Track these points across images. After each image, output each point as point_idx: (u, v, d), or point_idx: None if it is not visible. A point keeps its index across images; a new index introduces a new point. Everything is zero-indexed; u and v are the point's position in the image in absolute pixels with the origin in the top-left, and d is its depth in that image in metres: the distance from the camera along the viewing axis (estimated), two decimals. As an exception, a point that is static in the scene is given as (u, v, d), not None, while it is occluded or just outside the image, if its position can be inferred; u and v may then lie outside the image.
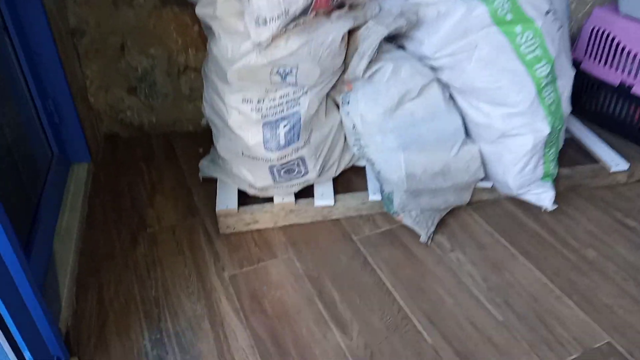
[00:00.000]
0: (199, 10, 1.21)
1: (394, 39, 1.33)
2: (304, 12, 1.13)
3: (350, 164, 1.52)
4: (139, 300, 1.20)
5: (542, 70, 1.23)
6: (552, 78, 1.26)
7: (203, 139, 1.77)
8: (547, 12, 1.24)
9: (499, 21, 1.21)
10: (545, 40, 1.22)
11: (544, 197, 1.35)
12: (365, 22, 1.24)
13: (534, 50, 1.22)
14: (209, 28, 1.22)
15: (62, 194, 1.46)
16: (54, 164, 1.47)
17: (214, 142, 1.40)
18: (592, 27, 1.77)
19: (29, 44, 1.38)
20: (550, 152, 1.33)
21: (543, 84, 1.24)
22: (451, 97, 1.34)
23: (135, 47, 1.69)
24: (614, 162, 1.54)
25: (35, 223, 1.25)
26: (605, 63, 1.73)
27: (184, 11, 1.66)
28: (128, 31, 1.66)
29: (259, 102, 1.23)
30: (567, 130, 1.71)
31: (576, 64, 1.82)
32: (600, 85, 1.77)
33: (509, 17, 1.21)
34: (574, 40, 1.91)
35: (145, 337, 1.12)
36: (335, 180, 1.50)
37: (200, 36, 1.70)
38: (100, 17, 1.62)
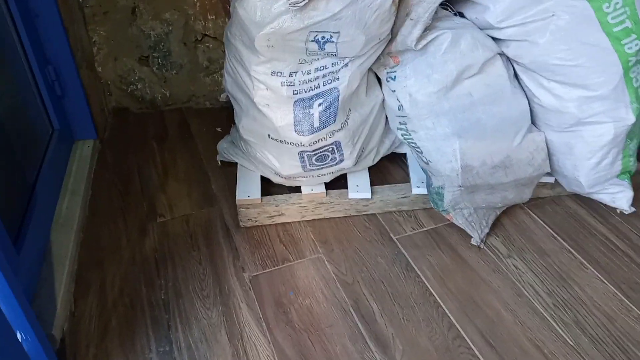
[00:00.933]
0: (223, -36, 1.01)
1: (452, 4, 1.13)
2: (350, -34, 0.93)
3: (389, 152, 1.33)
4: (146, 303, 1.04)
5: (631, 46, 1.02)
6: (642, 56, 1.05)
7: (222, 117, 1.59)
8: (640, -25, 1.02)
9: (583, -16, 1.00)
10: (637, 10, 1.01)
11: (620, 197, 1.15)
12: (420, -17, 1.03)
13: (622, 22, 1.01)
14: (234, -15, 1.03)
15: (62, 174, 1.29)
16: (54, 140, 1.29)
17: (236, 121, 1.22)
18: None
19: (27, 3, 1.20)
20: (630, 145, 1.13)
21: (631, 63, 1.03)
22: (516, 76, 1.14)
23: (148, 11, 1.50)
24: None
25: (30, 208, 1.08)
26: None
27: (204, -29, 1.47)
28: (140, -8, 1.47)
29: (290, 75, 1.04)
30: None
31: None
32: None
33: (595, -21, 0.99)
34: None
35: (152, 349, 0.95)
36: (371, 169, 1.31)
37: (221, 0, 1.50)
38: (109, -25, 1.43)
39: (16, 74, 1.19)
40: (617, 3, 1.01)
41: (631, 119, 1.06)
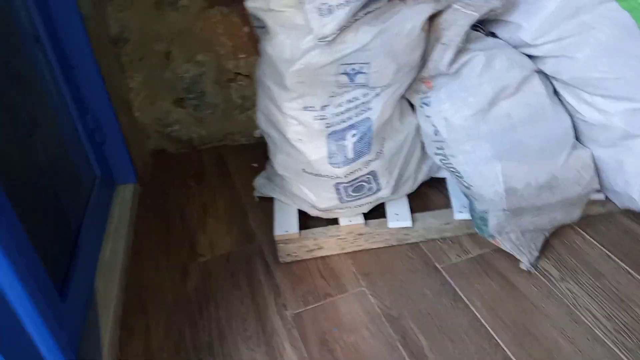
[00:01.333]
0: (250, 4, 1.03)
1: (483, 25, 1.11)
2: (376, -4, 0.92)
3: (428, 177, 1.30)
4: (190, 346, 1.03)
5: (678, 53, 0.97)
6: (690, 63, 1.00)
7: (257, 153, 1.59)
8: (681, -20, 0.98)
9: (620, -6, 0.96)
10: (680, 16, 0.96)
11: (679, 212, 1.08)
12: (449, 5, 1.02)
13: (666, 29, 0.97)
14: (262, 25, 1.04)
15: (105, 220, 1.32)
16: (96, 187, 1.32)
17: (270, 157, 1.22)
18: None
19: (65, 55, 1.25)
20: (686, 156, 1.06)
21: (679, 71, 0.98)
22: (556, 92, 1.10)
23: (182, 54, 1.54)
24: None
25: (75, 255, 1.10)
26: None
27: (233, 11, 1.49)
28: (173, 37, 1.51)
29: (322, 108, 1.03)
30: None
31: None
32: None
33: (633, -12, 0.96)
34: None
35: (198, 394, 0.94)
36: (410, 197, 1.28)
37: (251, 39, 1.53)
38: (143, 22, 1.48)
39: (58, 125, 1.23)
40: (658, 10, 0.96)
41: (684, 129, 1.00)
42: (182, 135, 1.66)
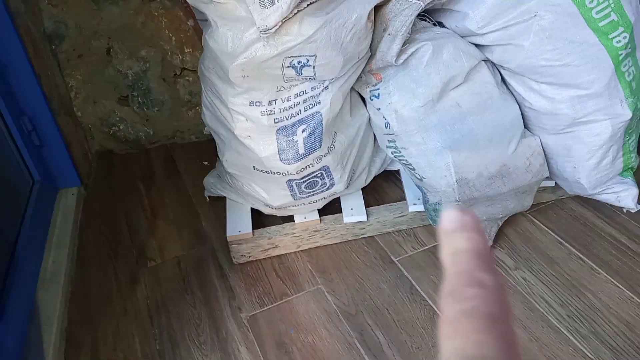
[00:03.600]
0: (190, -4, 0.98)
1: (429, 14, 1.09)
2: (320, -14, 0.89)
3: (382, 170, 1.28)
4: (141, 356, 0.98)
5: (620, 39, 0.98)
6: (632, 48, 1.01)
7: (208, 150, 1.54)
8: (620, -34, 0.99)
9: (562, -19, 0.96)
10: (621, 2, 0.97)
11: (625, 195, 1.10)
12: (394, -4, 1.00)
13: (608, 16, 0.97)
14: (204, 17, 0.99)
15: (47, 227, 1.25)
16: (35, 192, 1.25)
17: (219, 155, 1.17)
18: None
19: (-7, 53, 1.17)
20: (630, 141, 1.08)
21: (621, 57, 0.99)
22: (504, 81, 1.10)
23: (124, 50, 1.47)
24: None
25: (12, 268, 1.03)
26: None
27: (176, 5, 1.44)
28: (114, 32, 1.44)
29: (270, 103, 1.00)
30: None
31: None
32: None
33: (574, -25, 0.96)
34: None
35: (149, 407, 0.90)
36: (364, 190, 1.26)
37: (197, 32, 1.47)
38: (80, 18, 1.40)
39: (-11, 129, 1.15)
40: (599, -3, 0.97)
41: (628, 114, 1.02)
42: (128, 135, 1.59)
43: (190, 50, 1.50)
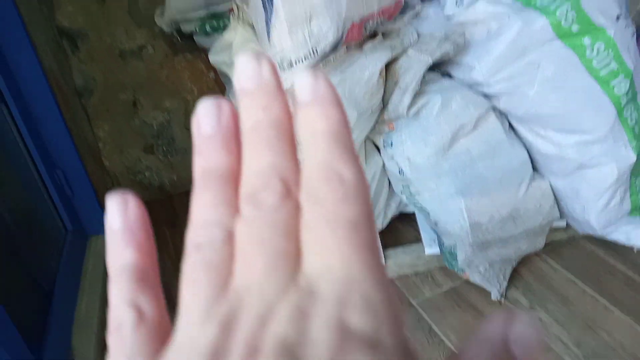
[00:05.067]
0: (213, 58, 1.06)
1: (438, 66, 1.15)
2: (334, 47, 0.96)
3: (398, 212, 1.33)
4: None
5: (621, 86, 1.03)
6: (633, 94, 1.06)
7: (229, 194, 1.60)
8: (619, 17, 1.04)
9: (563, 34, 1.02)
10: (620, 51, 1.02)
11: (635, 235, 1.13)
12: (404, 51, 1.06)
13: (608, 64, 1.03)
14: (226, 76, 1.07)
15: (79, 274, 1.31)
16: (68, 241, 1.32)
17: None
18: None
19: (29, 110, 1.25)
20: (637, 182, 1.12)
21: (623, 103, 1.04)
22: (511, 127, 1.15)
23: (149, 102, 1.55)
24: None
25: (49, 315, 1.09)
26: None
27: (198, 57, 1.52)
28: (139, 85, 1.53)
29: (289, 155, 1.05)
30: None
31: None
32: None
33: (575, 28, 1.02)
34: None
35: None
36: (381, 233, 1.31)
37: (217, 83, 1.56)
38: (107, 72, 1.49)
39: (25, 182, 1.22)
40: (599, 47, 1.02)
41: (632, 157, 1.06)
42: (153, 182, 1.66)
43: (211, 100, 1.58)
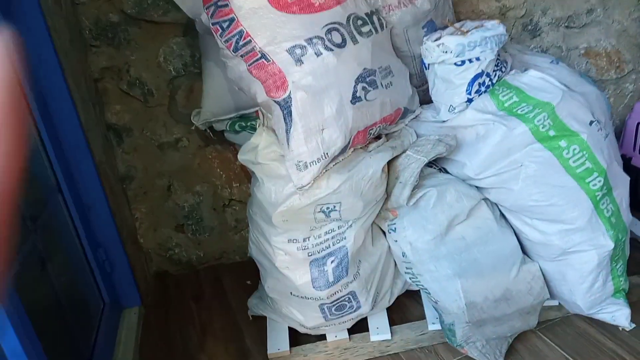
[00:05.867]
0: (242, 157, 1.24)
1: (436, 163, 1.32)
2: (343, 150, 1.14)
3: (404, 290, 1.45)
4: None
5: (595, 183, 1.18)
6: (608, 189, 1.20)
7: (250, 270, 1.74)
8: (591, 123, 1.21)
9: (542, 138, 1.18)
10: (593, 152, 1.18)
11: (619, 315, 1.24)
12: (403, 151, 1.24)
13: (583, 164, 1.18)
14: (252, 173, 1.24)
15: (113, 345, 1.44)
16: (105, 314, 1.46)
17: (262, 281, 1.38)
18: (636, 122, 1.73)
19: (81, 199, 1.44)
20: (617, 267, 1.24)
21: (599, 197, 1.18)
22: (502, 216, 1.29)
23: (182, 187, 1.74)
24: (691, 265, 1.42)
25: (87, 381, 1.22)
26: (659, 157, 1.66)
27: (226, 148, 1.72)
28: (174, 172, 1.72)
29: (304, 240, 1.21)
30: (632, 233, 1.61)
31: (627, 160, 1.76)
32: (657, 180, 1.68)
33: (551, 132, 1.18)
34: (618, 135, 1.86)
35: None
36: (389, 309, 1.43)
37: (243, 170, 1.74)
38: (147, 162, 1.69)
39: (73, 259, 1.39)
40: (574, 149, 1.18)
41: (610, 244, 1.18)
42: (182, 257, 1.82)
43: (238, 184, 1.77)
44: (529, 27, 1.83)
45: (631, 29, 1.91)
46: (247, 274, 1.74)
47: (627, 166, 1.76)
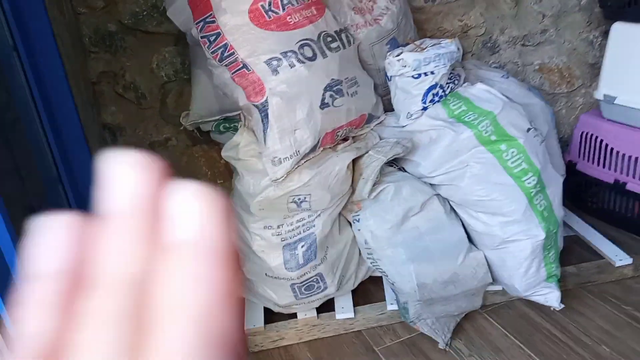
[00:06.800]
0: (225, 153, 1.41)
1: (395, 162, 1.50)
2: (313, 149, 1.32)
3: (367, 276, 1.63)
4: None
5: (530, 181, 1.37)
6: (541, 187, 1.39)
7: (231, 260, 1.91)
8: (529, 130, 1.40)
9: (484, 141, 1.37)
10: (529, 155, 1.37)
11: (550, 297, 1.43)
12: (367, 151, 1.42)
13: (520, 165, 1.37)
14: (234, 168, 1.41)
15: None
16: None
17: (241, 265, 1.54)
18: (581, 132, 1.93)
19: (79, 190, 1.60)
20: (550, 255, 1.42)
21: (533, 194, 1.37)
22: (452, 209, 1.47)
23: (170, 182, 1.90)
24: (618, 256, 1.62)
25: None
26: (598, 163, 1.87)
27: (212, 148, 1.89)
28: (163, 169, 1.88)
29: (278, 227, 1.38)
30: (572, 229, 1.81)
31: (572, 165, 1.96)
32: (597, 183, 1.89)
33: (493, 137, 1.37)
34: (568, 143, 2.06)
35: None
36: (354, 292, 1.60)
37: (227, 169, 1.91)
38: (139, 159, 1.85)
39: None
40: (513, 152, 1.37)
41: (542, 235, 1.37)
42: (168, 248, 1.98)
43: (222, 181, 1.93)
44: (489, 44, 2.03)
45: (580, 48, 2.12)
46: (229, 264, 1.90)
47: (574, 171, 1.96)
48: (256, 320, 1.50)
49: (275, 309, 1.53)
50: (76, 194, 1.58)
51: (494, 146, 1.37)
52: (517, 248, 1.39)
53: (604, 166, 1.85)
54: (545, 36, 2.07)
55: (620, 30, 1.78)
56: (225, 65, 1.29)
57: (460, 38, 1.95)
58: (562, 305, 1.43)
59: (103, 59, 1.71)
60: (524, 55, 2.08)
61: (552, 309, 1.48)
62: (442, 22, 1.94)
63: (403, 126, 1.48)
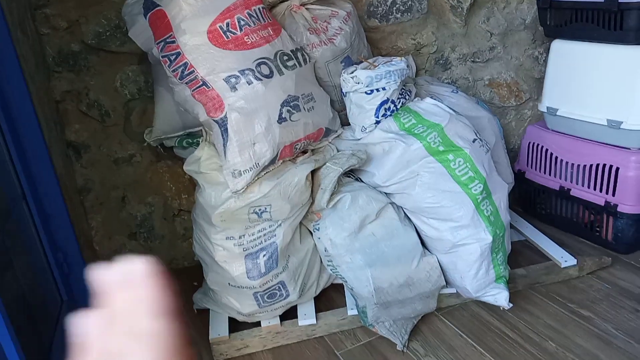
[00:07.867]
0: (187, 167, 1.46)
1: (352, 173, 1.58)
2: (272, 161, 1.38)
3: (329, 283, 1.69)
4: None
5: (477, 188, 1.46)
6: (487, 193, 1.48)
7: (197, 273, 1.94)
8: (474, 140, 1.50)
9: (433, 152, 1.46)
10: (475, 164, 1.46)
11: (499, 297, 1.51)
12: (325, 163, 1.49)
13: (466, 173, 1.46)
14: (196, 181, 1.47)
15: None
16: (64, 310, 1.63)
17: (205, 276, 1.59)
18: (528, 142, 2.05)
19: (44, 207, 1.62)
20: (498, 257, 1.51)
21: (480, 200, 1.46)
22: (406, 216, 1.55)
23: (135, 198, 1.93)
24: (563, 258, 1.72)
25: (47, 366, 1.39)
26: (545, 171, 1.98)
27: (176, 163, 1.93)
28: (128, 185, 1.92)
29: (240, 237, 1.43)
30: (522, 234, 1.91)
31: (522, 174, 2.07)
32: (544, 190, 2.00)
33: (441, 148, 1.46)
34: (518, 154, 2.18)
35: None
36: (317, 299, 1.66)
37: (191, 183, 1.95)
38: (103, 175, 1.88)
39: (35, 261, 1.56)
40: (460, 161, 1.46)
41: (489, 238, 1.46)
42: (134, 263, 2.00)
43: (187, 196, 1.97)
44: (441, 61, 2.14)
45: (527, 64, 2.25)
46: (194, 277, 1.94)
47: (523, 179, 2.08)
48: (220, 329, 1.54)
49: (239, 318, 1.57)
50: (40, 211, 1.60)
51: (442, 156, 1.46)
52: (467, 251, 1.48)
53: (550, 174, 1.97)
54: (494, 53, 2.20)
55: (559, 47, 1.92)
56: (186, 83, 1.35)
57: (414, 56, 2.05)
58: (511, 305, 1.52)
59: (67, 78, 1.75)
60: (475, 71, 2.20)
61: (502, 308, 1.56)
62: (397, 40, 2.05)
63: (358, 139, 1.56)
